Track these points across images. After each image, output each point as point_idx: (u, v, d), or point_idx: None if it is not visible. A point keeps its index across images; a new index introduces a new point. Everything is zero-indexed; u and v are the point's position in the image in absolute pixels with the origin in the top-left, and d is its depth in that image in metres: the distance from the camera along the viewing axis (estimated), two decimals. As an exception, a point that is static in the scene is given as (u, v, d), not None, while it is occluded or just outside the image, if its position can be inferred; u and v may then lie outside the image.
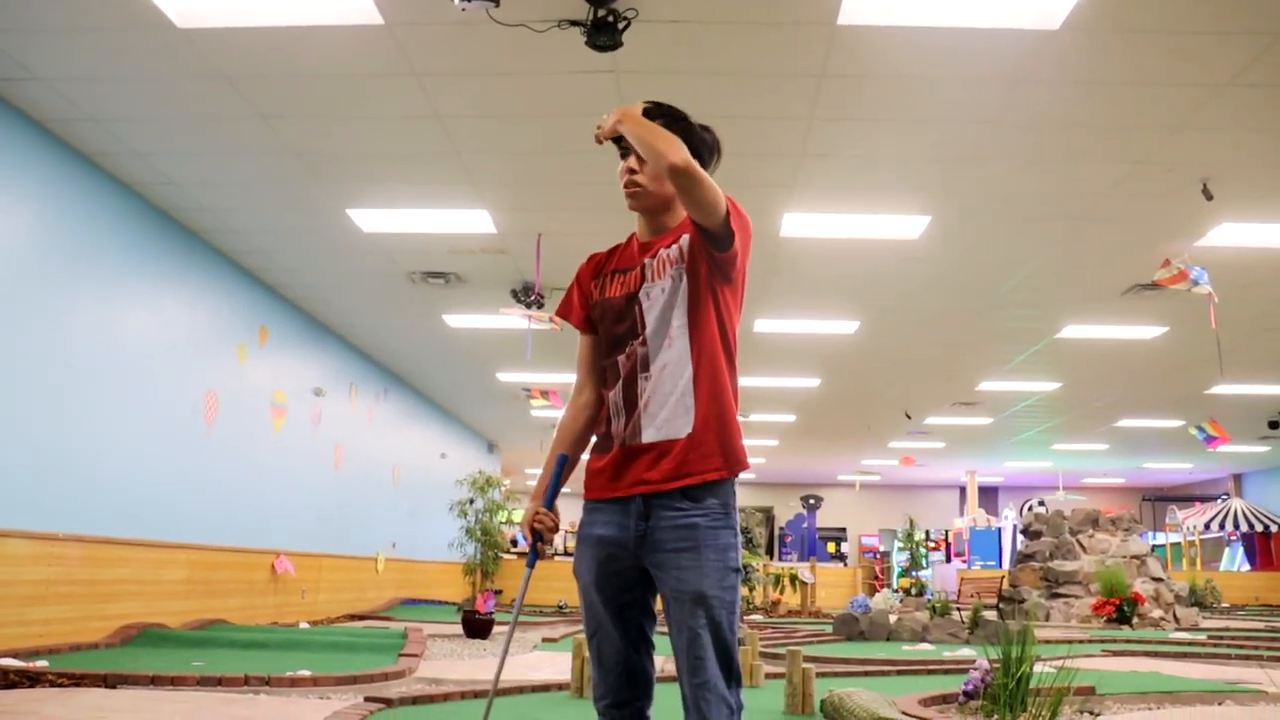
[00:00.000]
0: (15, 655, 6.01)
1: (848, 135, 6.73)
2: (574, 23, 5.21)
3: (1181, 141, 6.62)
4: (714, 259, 2.58)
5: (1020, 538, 18.10)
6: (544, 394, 14.55)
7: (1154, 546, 18.55)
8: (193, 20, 5.47)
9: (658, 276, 2.65)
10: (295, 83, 6.17)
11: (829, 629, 12.19)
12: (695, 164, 2.46)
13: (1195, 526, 24.39)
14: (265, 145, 7.06)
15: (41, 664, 5.82)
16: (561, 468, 2.70)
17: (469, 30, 5.38)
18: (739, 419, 2.64)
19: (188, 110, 6.61)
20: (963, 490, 27.85)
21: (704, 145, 2.75)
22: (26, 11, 5.46)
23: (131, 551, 7.95)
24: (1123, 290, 9.83)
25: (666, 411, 2.56)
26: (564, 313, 2.85)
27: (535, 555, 2.67)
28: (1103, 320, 11.03)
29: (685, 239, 2.64)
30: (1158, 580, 15.53)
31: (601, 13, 5.05)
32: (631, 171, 2.68)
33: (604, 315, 2.72)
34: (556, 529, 2.67)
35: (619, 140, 2.69)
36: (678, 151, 2.45)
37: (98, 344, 7.56)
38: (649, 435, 2.56)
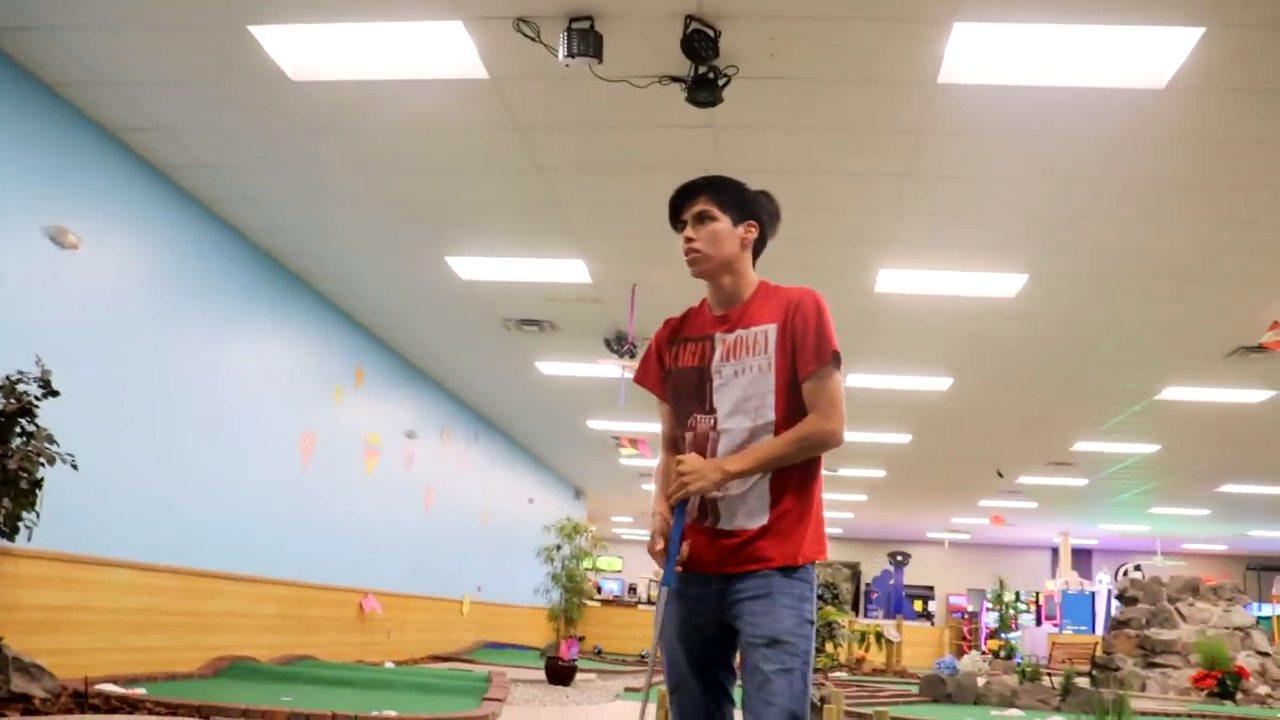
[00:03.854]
0: (116, 681, 6.18)
1: (945, 192, 6.69)
2: (675, 79, 5.29)
3: (1292, 203, 6.46)
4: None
5: (1115, 603, 17.55)
6: (633, 442, 14.61)
7: (1259, 619, 17.80)
8: (305, 74, 5.68)
9: (733, 356, 2.70)
10: (400, 134, 6.36)
11: (914, 689, 11.93)
12: (838, 432, 2.61)
13: (1305, 599, 23.39)
14: (369, 193, 7.27)
15: (140, 691, 5.98)
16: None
17: (571, 85, 5.50)
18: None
19: (296, 159, 6.84)
20: (1055, 552, 27.12)
21: (764, 210, 2.85)
22: (154, 67, 5.74)
23: (226, 585, 8.14)
24: (1227, 352, 9.55)
25: (741, 503, 2.62)
26: (642, 380, 2.94)
27: (670, 573, 2.62)
28: (1205, 382, 10.72)
29: (772, 333, 2.68)
30: (1264, 655, 14.89)
31: (702, 69, 5.12)
32: (688, 240, 2.78)
33: (675, 385, 2.80)
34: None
35: (677, 218, 2.81)
36: (804, 441, 2.59)
37: (204, 383, 7.81)
38: (725, 523, 2.64)
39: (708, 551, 2.63)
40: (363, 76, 5.67)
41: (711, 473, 2.56)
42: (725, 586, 2.59)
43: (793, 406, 2.63)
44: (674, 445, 2.81)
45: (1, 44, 5.61)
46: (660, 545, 2.62)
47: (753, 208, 2.80)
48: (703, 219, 2.76)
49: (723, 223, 2.75)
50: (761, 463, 2.57)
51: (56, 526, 5.81)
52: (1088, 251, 7.48)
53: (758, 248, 2.85)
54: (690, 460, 2.60)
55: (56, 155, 6.20)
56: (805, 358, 2.62)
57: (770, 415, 2.62)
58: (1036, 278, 7.99)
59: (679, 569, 2.61)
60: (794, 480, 2.62)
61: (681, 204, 2.82)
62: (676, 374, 2.79)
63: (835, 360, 2.63)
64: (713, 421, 2.67)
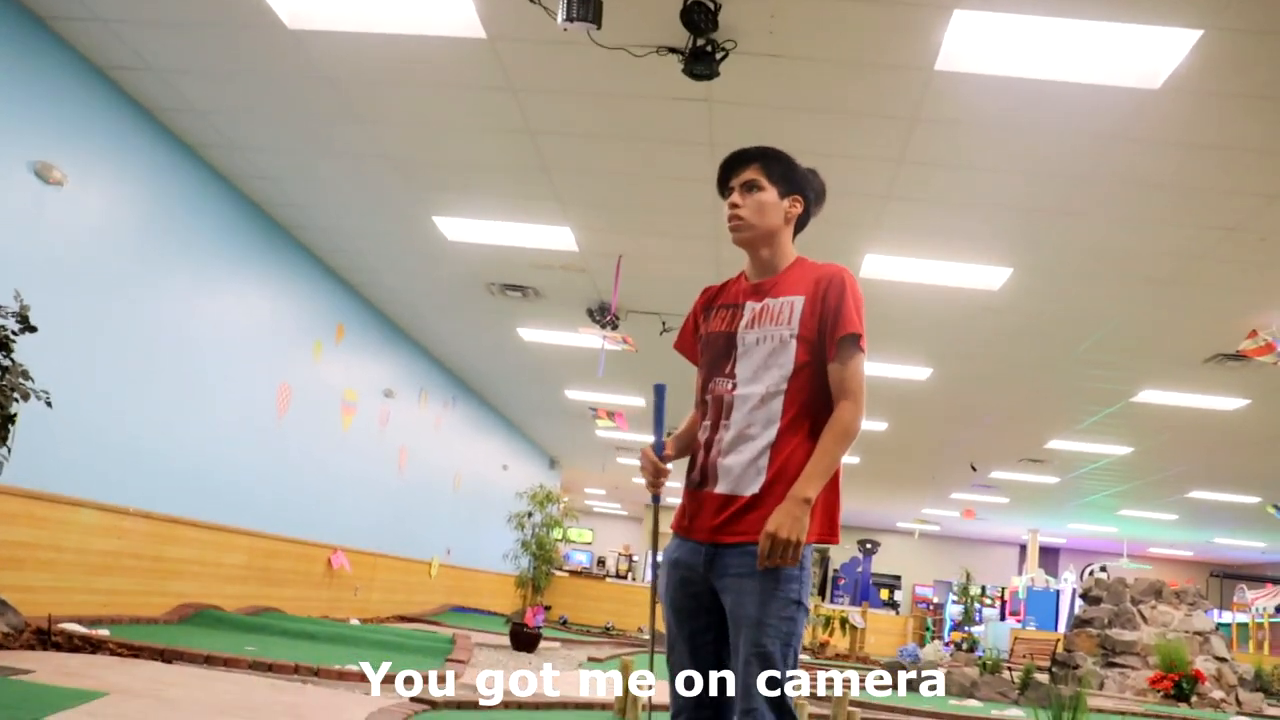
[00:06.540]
0: (79, 621, 6.18)
1: (936, 180, 6.70)
2: (672, 50, 5.27)
3: (1277, 211, 6.49)
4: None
5: (1079, 602, 17.69)
6: (610, 415, 14.60)
7: (1219, 625, 17.99)
8: (302, 22, 5.64)
9: (758, 324, 2.70)
10: (394, 89, 6.32)
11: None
12: (856, 425, 2.62)
13: (1265, 609, 23.58)
14: (360, 147, 7.23)
15: (103, 632, 5.98)
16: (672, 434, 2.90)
17: (568, 50, 5.47)
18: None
19: (288, 108, 6.79)
20: (1023, 548, 27.34)
21: (810, 188, 2.86)
22: (148, 5, 5.68)
23: (195, 532, 8.13)
24: (1205, 358, 9.62)
25: (738, 467, 2.60)
26: (680, 347, 2.99)
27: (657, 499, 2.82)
28: (1182, 387, 10.80)
29: (799, 305, 2.67)
30: (1221, 660, 15.06)
31: (701, 42, 5.11)
32: (734, 206, 2.79)
33: (705, 349, 2.82)
34: (660, 472, 2.77)
35: (725, 185, 2.83)
36: (849, 434, 2.60)
37: (183, 327, 7.77)
38: (720, 486, 2.62)
39: (699, 516, 2.62)
40: (360, 29, 5.63)
41: (798, 510, 2.44)
42: (714, 556, 2.55)
43: (808, 377, 2.63)
44: (701, 407, 2.81)
45: (-6, -28, 5.55)
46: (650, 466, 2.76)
47: (800, 183, 2.82)
48: (750, 187, 2.78)
49: (769, 193, 2.77)
50: (827, 468, 2.52)
51: (28, 463, 5.78)
52: (1073, 248, 7.51)
53: (800, 224, 2.86)
54: (774, 522, 2.43)
55: (46, 90, 6.13)
56: (831, 336, 2.63)
57: (784, 385, 2.61)
58: (1021, 272, 8.02)
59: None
60: (796, 451, 2.56)
61: (730, 171, 2.83)
62: (706, 338, 2.81)
63: (854, 340, 2.63)
64: (731, 385, 2.67)
